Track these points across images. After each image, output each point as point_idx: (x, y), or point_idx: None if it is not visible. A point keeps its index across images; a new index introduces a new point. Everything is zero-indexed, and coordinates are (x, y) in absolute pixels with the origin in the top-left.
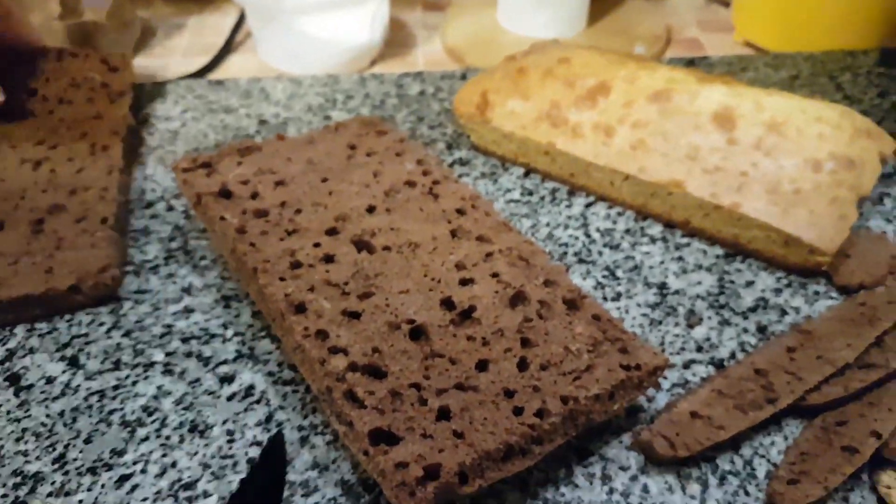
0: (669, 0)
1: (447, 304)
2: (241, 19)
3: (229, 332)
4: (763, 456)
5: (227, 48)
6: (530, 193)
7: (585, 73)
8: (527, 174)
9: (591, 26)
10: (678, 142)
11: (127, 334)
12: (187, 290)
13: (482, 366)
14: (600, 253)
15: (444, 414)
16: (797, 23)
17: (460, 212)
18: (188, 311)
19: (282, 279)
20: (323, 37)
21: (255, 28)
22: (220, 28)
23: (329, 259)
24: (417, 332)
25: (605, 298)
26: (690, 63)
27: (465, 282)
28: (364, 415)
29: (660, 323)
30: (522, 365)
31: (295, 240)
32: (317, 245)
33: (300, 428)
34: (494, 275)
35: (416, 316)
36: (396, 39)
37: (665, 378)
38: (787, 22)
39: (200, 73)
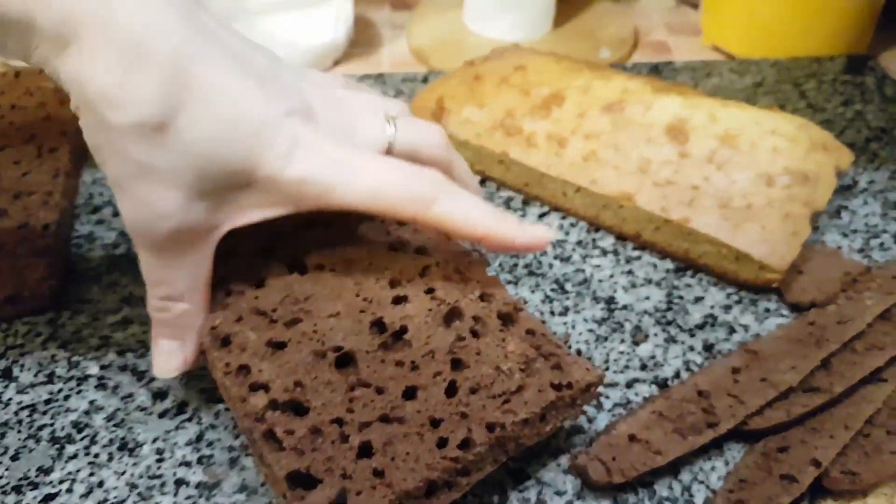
0: (638, 2)
1: (378, 325)
2: None
3: None
4: (702, 482)
5: None
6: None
7: (540, 82)
8: (483, 182)
9: (556, 29)
10: (630, 154)
11: (63, 346)
12: (127, 300)
13: (410, 393)
14: (551, 265)
15: (365, 450)
16: (764, 29)
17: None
18: (126, 321)
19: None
20: (285, 36)
21: None
22: None
23: (260, 283)
24: (345, 360)
25: (552, 313)
26: (655, 68)
27: (398, 300)
28: (282, 457)
29: (605, 339)
30: (451, 390)
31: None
32: (249, 268)
33: (230, 448)
34: (429, 290)
35: (344, 342)
36: (362, 39)
37: (607, 397)
38: (754, 27)
39: None
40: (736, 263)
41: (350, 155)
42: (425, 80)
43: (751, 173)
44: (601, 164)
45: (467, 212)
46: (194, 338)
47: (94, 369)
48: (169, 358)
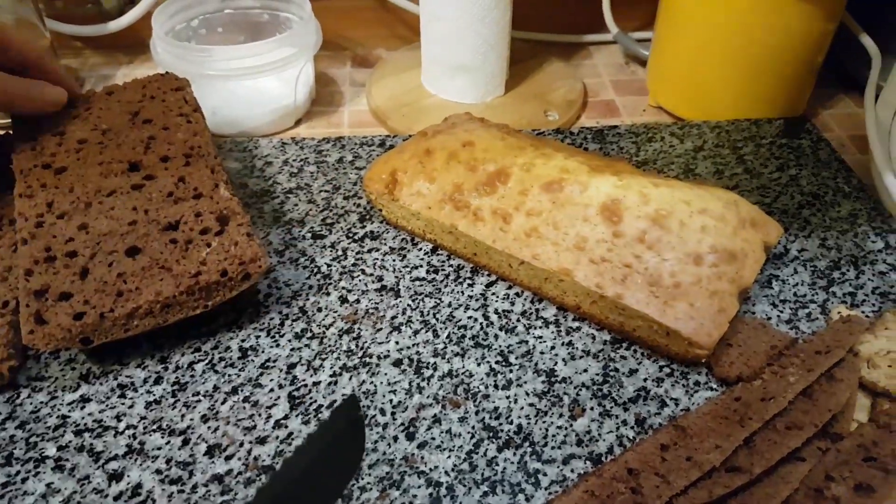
0: (590, 59)
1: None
2: None
3: (122, 425)
4: None
5: None
6: (436, 271)
7: (486, 159)
8: (434, 250)
9: (509, 92)
10: (568, 232)
11: (21, 426)
12: (85, 378)
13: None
14: (496, 336)
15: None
16: (705, 91)
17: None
18: (84, 400)
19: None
20: (247, 99)
21: None
22: None
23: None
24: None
25: (496, 386)
26: (599, 133)
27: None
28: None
29: (545, 413)
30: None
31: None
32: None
33: None
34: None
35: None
36: (324, 96)
37: (544, 475)
38: (695, 91)
39: None
40: (666, 338)
41: None
42: (382, 143)
43: (679, 253)
44: (542, 240)
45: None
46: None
47: (51, 450)
48: None
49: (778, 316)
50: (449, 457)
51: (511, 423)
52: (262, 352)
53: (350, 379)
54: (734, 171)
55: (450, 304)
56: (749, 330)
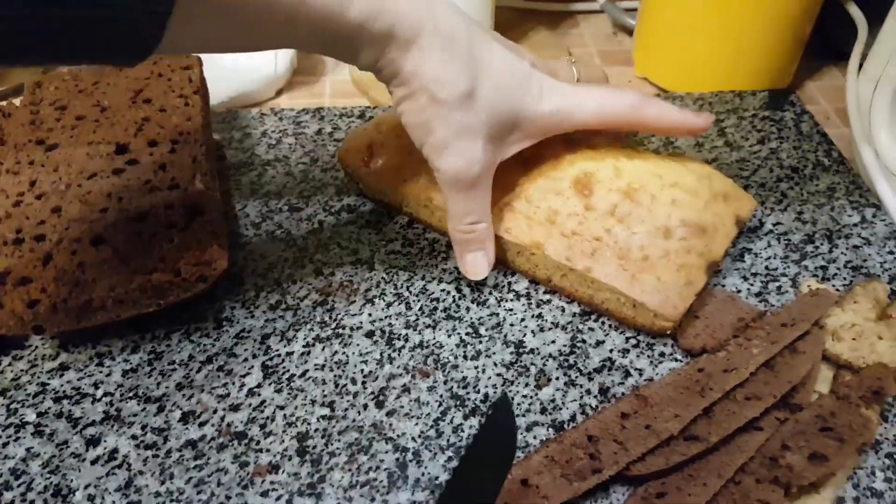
0: (577, 27)
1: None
2: None
3: (99, 392)
4: None
5: None
6: (411, 244)
7: None
8: (410, 223)
9: None
10: (540, 205)
11: (2, 393)
12: (64, 346)
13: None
14: (468, 309)
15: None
16: (690, 63)
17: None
18: (63, 368)
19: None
20: (228, 70)
21: None
22: None
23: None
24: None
25: (465, 357)
26: None
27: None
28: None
29: (512, 383)
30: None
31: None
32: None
33: (157, 494)
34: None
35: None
36: (306, 66)
37: None
38: (680, 62)
39: None
40: (633, 310)
41: (576, 89)
42: (361, 115)
43: (649, 226)
44: (515, 213)
45: (662, 110)
46: (493, 244)
47: (31, 416)
48: (478, 264)
49: (748, 289)
50: (416, 424)
51: (478, 392)
52: (237, 322)
53: (323, 349)
54: (714, 143)
55: (423, 277)
56: (717, 302)
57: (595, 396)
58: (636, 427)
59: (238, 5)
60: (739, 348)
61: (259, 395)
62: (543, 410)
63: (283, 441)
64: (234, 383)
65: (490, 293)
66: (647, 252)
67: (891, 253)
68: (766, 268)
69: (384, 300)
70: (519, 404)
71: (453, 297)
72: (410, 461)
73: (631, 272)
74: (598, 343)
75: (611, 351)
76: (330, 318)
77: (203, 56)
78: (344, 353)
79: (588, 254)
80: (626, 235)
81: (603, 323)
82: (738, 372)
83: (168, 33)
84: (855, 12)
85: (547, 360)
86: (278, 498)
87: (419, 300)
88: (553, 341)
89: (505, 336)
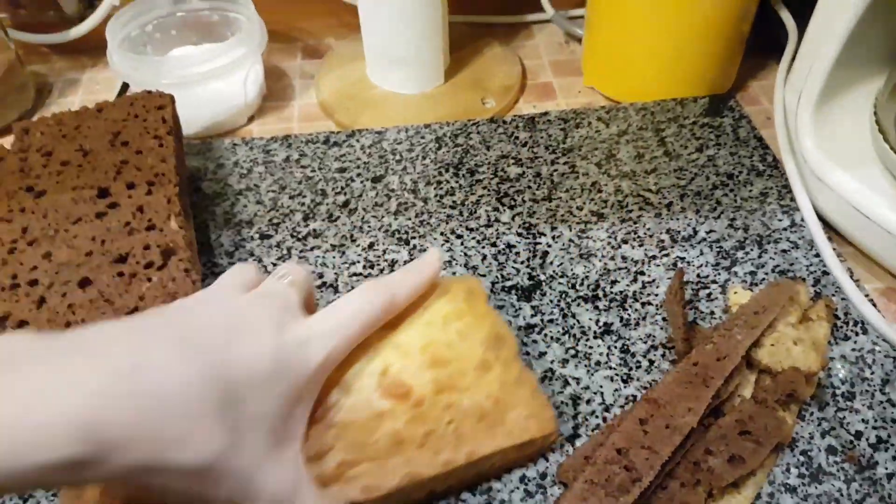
0: (532, 39)
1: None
2: None
3: None
4: None
5: None
6: (371, 267)
7: None
8: (371, 246)
9: (449, 79)
10: (376, 440)
11: None
12: None
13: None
14: None
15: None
16: (632, 72)
17: None
18: None
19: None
20: (200, 102)
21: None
22: (112, 83)
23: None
24: None
25: None
26: (531, 122)
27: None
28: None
29: None
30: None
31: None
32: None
33: None
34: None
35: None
36: (276, 91)
37: None
38: (624, 72)
39: None
40: (521, 449)
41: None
42: (326, 141)
43: (470, 372)
44: (358, 466)
45: (409, 286)
46: None
47: None
48: None
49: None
50: None
51: None
52: None
53: None
54: (654, 154)
55: None
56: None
57: None
58: (657, 429)
59: None
60: (723, 338)
61: None
62: None
63: None
64: None
65: None
66: (496, 395)
67: (816, 255)
68: (698, 276)
69: None
70: None
71: None
72: None
73: (497, 422)
74: None
75: None
76: None
77: (175, 91)
78: None
79: (454, 441)
80: (467, 396)
81: None
82: (730, 357)
83: None
84: (786, 18)
85: None
86: None
87: None
88: None
89: None
